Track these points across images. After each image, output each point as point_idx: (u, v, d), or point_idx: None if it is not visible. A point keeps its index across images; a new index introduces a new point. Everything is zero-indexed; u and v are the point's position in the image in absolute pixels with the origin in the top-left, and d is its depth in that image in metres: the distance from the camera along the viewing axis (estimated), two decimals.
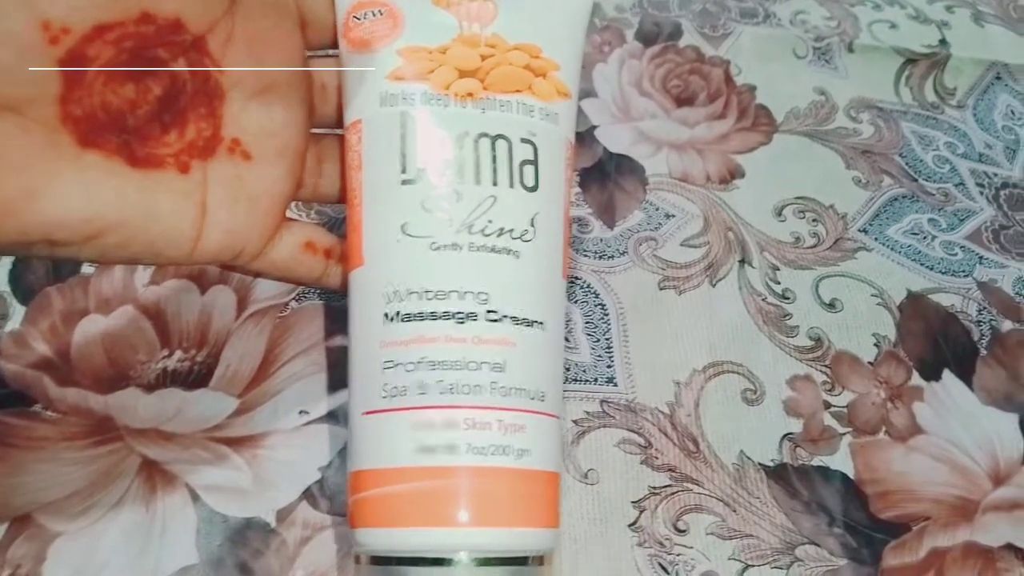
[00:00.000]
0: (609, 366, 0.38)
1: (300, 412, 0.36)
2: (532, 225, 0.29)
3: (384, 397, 0.27)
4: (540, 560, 0.28)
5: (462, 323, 0.27)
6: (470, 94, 0.29)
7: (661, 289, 0.41)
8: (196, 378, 0.36)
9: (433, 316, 0.27)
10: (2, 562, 0.32)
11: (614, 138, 0.47)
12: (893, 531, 0.35)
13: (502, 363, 0.27)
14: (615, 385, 0.38)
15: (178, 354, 0.37)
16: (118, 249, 0.25)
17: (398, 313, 0.28)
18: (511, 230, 0.29)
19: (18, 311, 0.38)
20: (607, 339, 0.39)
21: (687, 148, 0.47)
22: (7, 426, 0.35)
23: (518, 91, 0.30)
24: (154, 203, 0.25)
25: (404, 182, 0.28)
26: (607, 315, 0.40)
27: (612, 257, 0.42)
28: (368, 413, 0.28)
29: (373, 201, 0.29)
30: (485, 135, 0.29)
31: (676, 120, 0.48)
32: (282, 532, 0.33)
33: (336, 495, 0.34)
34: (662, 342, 0.39)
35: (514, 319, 0.28)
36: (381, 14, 0.30)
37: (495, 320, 0.28)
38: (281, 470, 0.34)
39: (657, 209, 0.44)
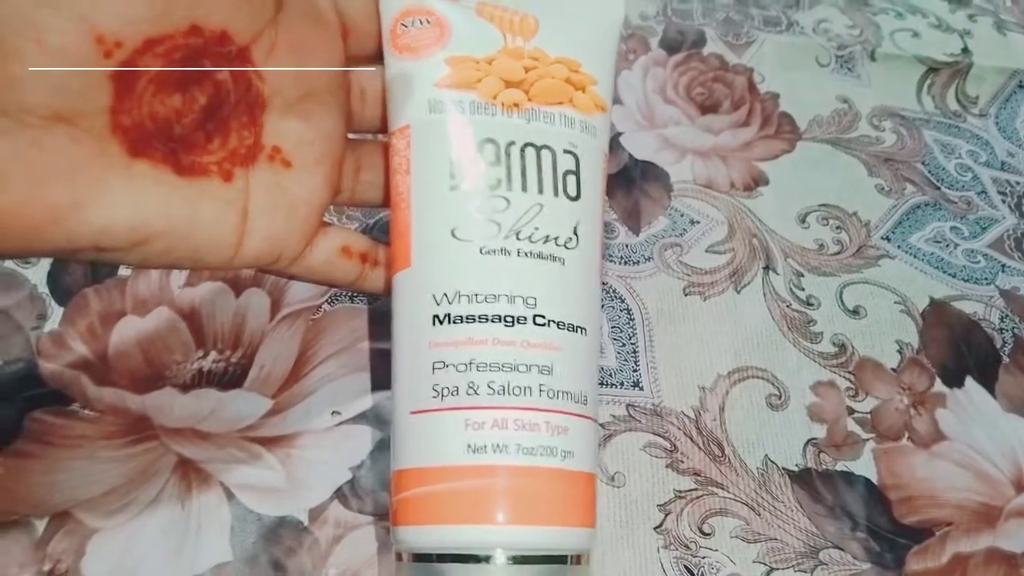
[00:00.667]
0: (635, 370, 0.39)
1: (332, 413, 0.36)
2: (575, 233, 0.30)
3: (435, 397, 0.28)
4: (579, 559, 0.28)
5: (511, 326, 0.28)
6: (516, 104, 0.30)
7: (686, 295, 0.41)
8: (231, 379, 0.37)
9: (483, 319, 0.28)
10: (43, 556, 0.33)
11: (639, 145, 0.47)
12: (916, 536, 0.35)
13: (549, 367, 0.28)
14: (641, 389, 0.38)
15: (213, 355, 0.38)
16: (162, 255, 0.26)
17: (448, 315, 0.28)
18: (556, 237, 0.29)
19: (57, 312, 0.39)
20: (633, 344, 0.40)
21: (711, 155, 0.47)
22: (46, 424, 0.36)
23: (560, 103, 0.31)
24: (198, 211, 0.26)
25: (453, 188, 0.29)
26: (632, 320, 0.40)
27: (638, 263, 0.42)
28: (417, 412, 0.28)
29: (422, 206, 0.30)
30: (531, 144, 0.30)
31: (700, 127, 0.49)
32: (314, 531, 0.34)
33: (367, 495, 0.35)
34: (687, 347, 0.40)
35: (559, 324, 0.29)
36: (428, 23, 0.30)
37: (542, 325, 0.28)
38: (314, 470, 0.35)
39: (682, 215, 0.44)
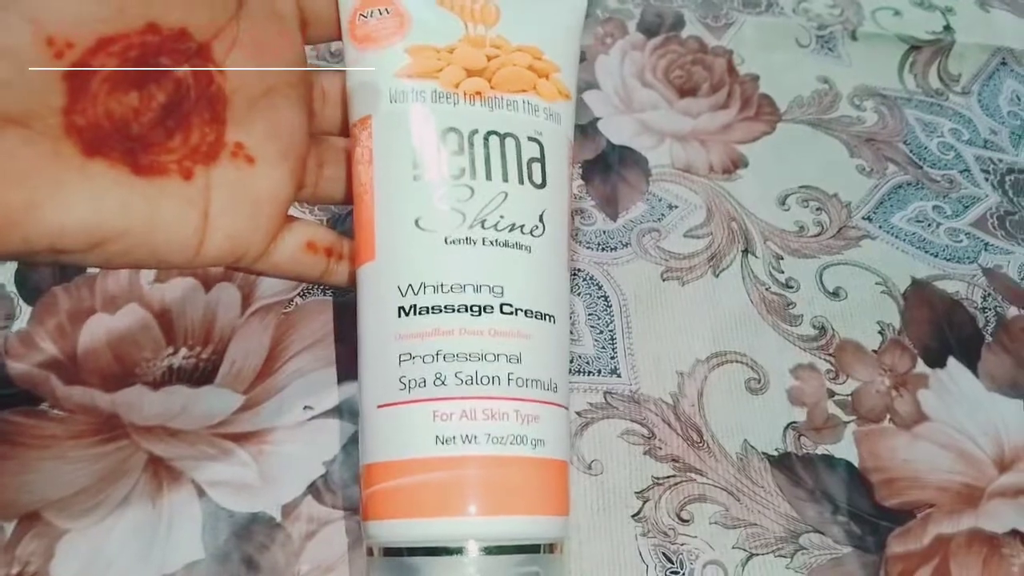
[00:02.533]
0: (612, 357, 0.38)
1: (305, 407, 0.36)
2: (541, 221, 0.30)
3: (401, 389, 0.27)
4: (552, 548, 0.28)
5: (478, 316, 0.28)
6: (478, 93, 0.30)
7: (664, 280, 0.41)
8: (201, 375, 0.37)
9: (449, 309, 0.28)
10: (11, 559, 0.32)
11: (617, 130, 0.47)
12: (898, 519, 0.35)
13: (518, 355, 0.28)
14: (619, 376, 0.38)
15: (183, 351, 0.37)
16: (121, 256, 0.25)
17: (414, 307, 0.28)
18: (522, 225, 0.29)
19: (25, 311, 0.38)
20: (610, 331, 0.39)
21: (690, 139, 0.47)
22: (14, 425, 0.35)
23: (523, 91, 0.30)
24: (157, 211, 0.25)
25: (416, 178, 0.29)
26: (610, 307, 0.40)
27: (615, 249, 0.42)
28: (384, 406, 0.28)
29: (385, 196, 0.29)
30: (494, 133, 0.29)
31: (679, 111, 0.48)
32: (287, 527, 0.33)
33: (341, 489, 0.34)
34: (665, 333, 0.39)
35: (527, 312, 0.28)
36: (387, 12, 0.30)
37: (510, 313, 0.28)
38: (286, 465, 0.35)
39: (660, 200, 0.44)
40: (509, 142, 0.30)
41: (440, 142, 0.29)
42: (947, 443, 0.36)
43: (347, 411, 0.36)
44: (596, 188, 0.44)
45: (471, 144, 0.29)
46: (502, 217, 0.29)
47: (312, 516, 0.34)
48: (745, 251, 0.42)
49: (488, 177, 0.29)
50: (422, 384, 0.27)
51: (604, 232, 0.42)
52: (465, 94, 0.29)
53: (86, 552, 0.32)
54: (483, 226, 0.28)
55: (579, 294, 0.40)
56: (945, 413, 0.37)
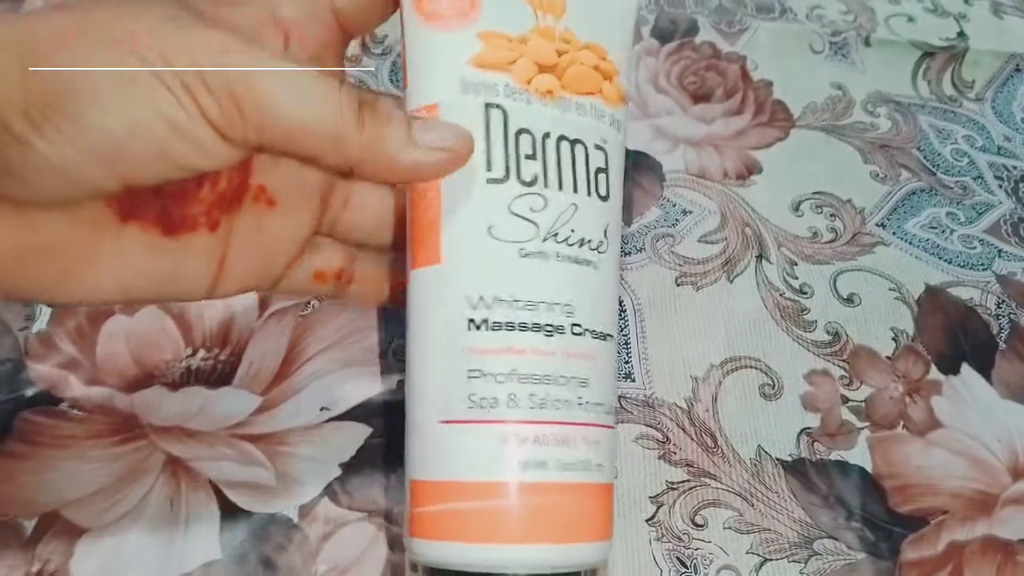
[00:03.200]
0: (627, 362, 0.38)
1: (322, 409, 0.36)
2: (605, 236, 0.28)
3: (471, 407, 0.25)
4: (595, 572, 0.27)
5: (550, 336, 0.26)
6: (550, 92, 0.27)
7: (678, 285, 0.41)
8: (219, 376, 0.37)
9: (523, 327, 0.26)
10: (31, 557, 0.32)
11: (631, 135, 0.46)
12: (911, 525, 0.35)
13: (586, 379, 0.26)
14: (633, 381, 0.38)
15: (202, 353, 0.37)
16: (132, 305, 0.25)
17: (486, 321, 0.26)
18: (589, 241, 0.27)
19: (44, 312, 0.38)
20: (625, 335, 0.39)
21: (704, 144, 0.47)
22: (34, 424, 0.35)
23: (590, 93, 0.28)
24: (180, 269, 0.25)
25: (490, 180, 0.26)
26: (624, 311, 0.40)
27: (629, 253, 0.42)
28: (448, 422, 0.26)
29: (454, 198, 0.26)
30: (565, 138, 0.27)
31: (693, 116, 0.48)
32: (304, 527, 0.33)
33: (357, 491, 0.34)
34: (680, 338, 0.39)
35: (593, 332, 0.27)
36: None
37: (579, 334, 0.27)
38: (303, 466, 0.35)
39: (674, 205, 0.44)
40: (579, 149, 0.27)
41: (515, 143, 0.26)
42: (961, 450, 0.37)
43: (364, 413, 0.36)
44: None
45: (543, 148, 0.27)
46: (572, 231, 0.27)
47: (329, 517, 0.34)
48: (759, 257, 0.42)
49: (560, 186, 0.27)
50: (494, 404, 0.25)
51: None
52: (537, 92, 0.27)
53: (105, 551, 0.33)
54: (556, 239, 0.26)
55: None
56: (959, 420, 0.37)
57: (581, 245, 0.27)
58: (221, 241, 0.26)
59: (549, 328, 0.26)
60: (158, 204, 0.24)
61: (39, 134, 0.20)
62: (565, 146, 0.27)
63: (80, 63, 0.20)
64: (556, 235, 0.26)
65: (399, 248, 0.30)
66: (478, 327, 0.26)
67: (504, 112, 0.26)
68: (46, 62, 0.20)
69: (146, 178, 0.22)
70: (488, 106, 0.26)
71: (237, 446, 0.35)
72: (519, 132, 0.26)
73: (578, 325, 0.26)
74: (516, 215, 0.26)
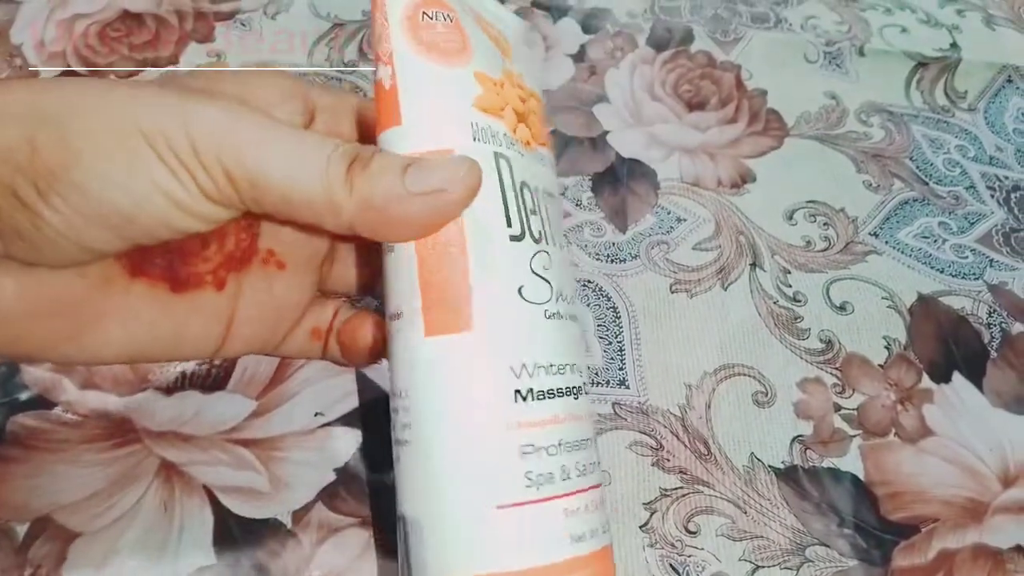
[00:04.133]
0: (621, 369, 0.39)
1: (316, 414, 0.36)
2: (571, 285, 0.26)
3: (529, 486, 0.23)
4: None
5: (577, 399, 0.24)
6: (528, 143, 0.26)
7: (673, 292, 0.41)
8: (214, 381, 0.37)
9: (560, 393, 0.24)
10: (23, 562, 0.32)
11: (626, 143, 0.47)
12: (903, 532, 0.35)
13: (593, 438, 0.25)
14: (627, 388, 0.38)
15: None
16: (138, 364, 0.25)
17: (531, 391, 0.23)
18: (569, 295, 0.26)
19: None
20: (619, 342, 0.39)
21: (699, 152, 0.47)
22: (28, 428, 0.35)
23: (543, 144, 0.27)
24: (186, 329, 0.25)
25: (512, 238, 0.24)
26: (619, 318, 0.40)
27: (624, 261, 0.42)
28: (507, 506, 0.23)
29: (484, 256, 0.24)
30: (546, 191, 0.26)
31: (688, 125, 0.48)
32: (298, 533, 0.34)
33: (351, 496, 0.34)
34: (674, 345, 0.40)
35: (586, 388, 0.25)
36: (450, 20, 0.25)
37: (587, 393, 0.25)
38: (297, 471, 0.35)
39: (669, 213, 0.44)
40: (553, 202, 0.26)
41: (522, 197, 0.24)
42: (952, 458, 0.37)
43: (357, 419, 0.36)
44: (605, 200, 0.45)
45: (537, 202, 0.25)
46: (564, 287, 0.25)
47: (323, 522, 0.34)
48: (753, 265, 0.42)
49: (553, 241, 0.25)
50: (551, 479, 0.23)
51: (613, 244, 0.43)
52: (521, 141, 0.25)
53: (98, 556, 0.33)
54: (561, 298, 0.25)
55: (589, 305, 0.40)
56: (950, 428, 0.38)
57: (570, 301, 0.25)
58: (229, 302, 0.26)
59: (575, 391, 0.24)
60: (165, 260, 0.25)
61: (46, 203, 0.20)
62: (546, 199, 0.26)
63: (86, 137, 0.20)
64: (562, 293, 0.25)
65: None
66: (524, 398, 0.23)
67: (509, 163, 0.24)
68: (55, 133, 0.20)
69: (153, 241, 0.22)
70: (497, 156, 0.24)
71: (231, 451, 0.35)
72: (523, 185, 0.25)
73: (585, 384, 0.25)
74: (537, 275, 0.24)
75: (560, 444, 0.23)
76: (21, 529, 0.33)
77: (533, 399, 0.23)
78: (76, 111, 0.20)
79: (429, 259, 0.24)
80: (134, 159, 0.20)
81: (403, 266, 0.24)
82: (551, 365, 0.24)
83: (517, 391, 0.23)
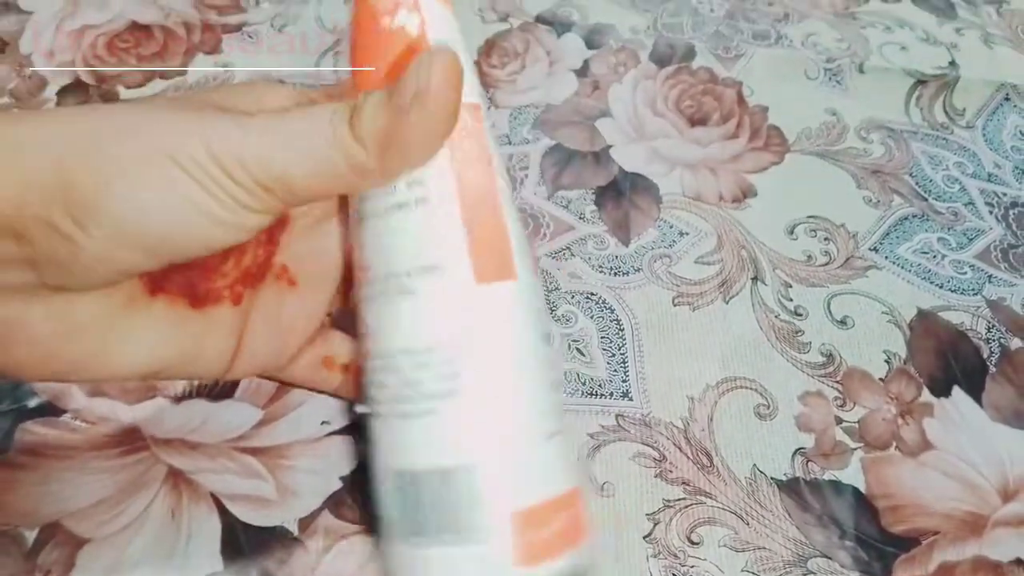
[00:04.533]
0: (624, 381, 0.39)
1: (322, 423, 0.36)
2: None
3: (560, 416, 0.26)
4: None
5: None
6: None
7: (675, 305, 0.42)
8: (221, 389, 0.37)
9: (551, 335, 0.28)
10: (32, 568, 0.33)
11: (629, 157, 0.48)
12: (903, 545, 0.35)
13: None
14: (630, 400, 0.38)
15: None
16: (157, 381, 0.26)
17: (550, 333, 0.28)
18: None
19: None
20: (622, 354, 0.40)
21: (700, 167, 0.48)
22: (37, 435, 0.36)
23: None
24: (203, 345, 0.26)
25: (512, 193, 0.27)
26: (622, 331, 0.41)
27: (627, 274, 0.43)
28: (553, 435, 0.25)
29: (509, 203, 0.26)
30: None
31: (690, 140, 0.49)
32: (305, 540, 0.34)
33: (358, 504, 0.35)
34: (676, 358, 0.40)
35: None
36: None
37: None
38: (304, 479, 0.35)
39: (671, 227, 0.45)
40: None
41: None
42: (952, 472, 0.37)
43: (363, 428, 0.36)
44: (608, 214, 0.45)
45: None
46: None
47: (329, 530, 0.34)
48: (755, 278, 0.43)
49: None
50: (563, 410, 0.27)
51: (616, 257, 0.43)
52: None
53: (107, 562, 0.33)
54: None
55: (592, 317, 0.41)
56: (950, 442, 0.38)
57: None
58: (241, 316, 0.27)
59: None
60: (184, 277, 0.25)
61: (84, 232, 0.20)
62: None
63: (116, 163, 0.21)
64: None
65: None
66: (549, 341, 0.26)
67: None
68: (85, 163, 0.20)
69: (187, 258, 0.23)
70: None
71: (238, 459, 0.35)
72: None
73: None
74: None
75: (564, 377, 0.27)
76: (30, 535, 0.33)
77: (552, 341, 0.27)
78: (103, 140, 0.21)
79: (469, 206, 0.24)
80: (165, 182, 0.21)
81: (439, 215, 0.24)
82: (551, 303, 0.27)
83: (547, 334, 0.26)
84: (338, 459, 0.36)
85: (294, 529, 0.34)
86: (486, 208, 0.25)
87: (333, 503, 0.35)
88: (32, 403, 0.36)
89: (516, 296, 0.25)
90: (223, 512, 0.34)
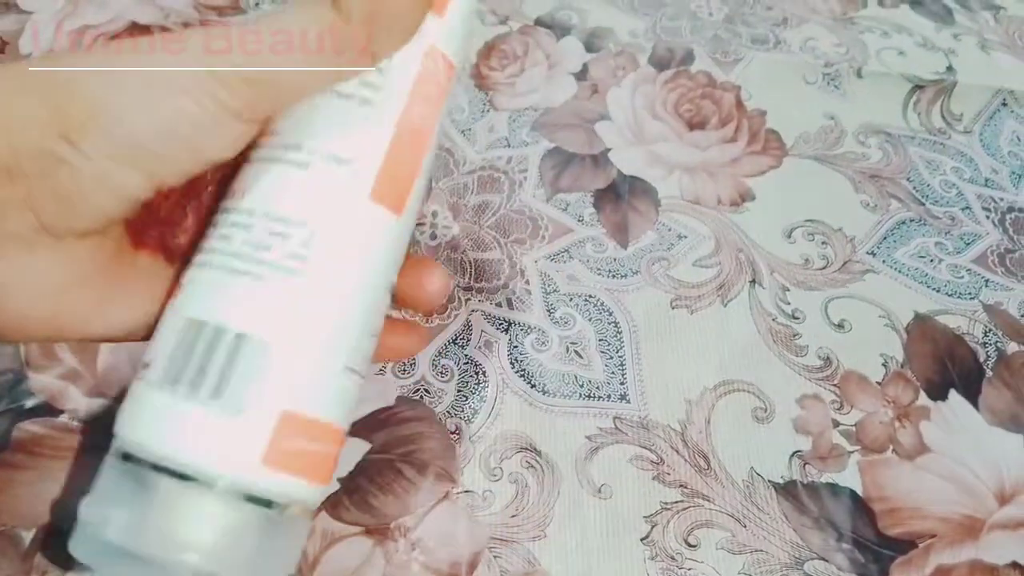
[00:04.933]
0: (622, 383, 0.39)
1: None
2: None
3: (366, 362, 0.26)
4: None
5: None
6: None
7: (673, 308, 0.42)
8: None
9: None
10: (29, 568, 0.33)
11: (628, 160, 0.48)
12: (900, 548, 0.35)
13: None
14: (628, 402, 0.38)
15: None
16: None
17: (391, 285, 0.27)
18: None
19: None
20: (620, 356, 0.40)
21: (699, 171, 0.48)
22: (34, 435, 0.36)
23: None
24: None
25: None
26: (620, 333, 0.41)
27: (625, 276, 0.43)
28: (352, 371, 0.25)
29: (430, 160, 0.27)
30: None
31: (688, 143, 0.49)
32: None
33: (356, 505, 0.35)
34: (674, 360, 0.40)
35: None
36: None
37: None
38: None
39: (669, 230, 0.45)
40: None
41: None
42: (949, 475, 0.37)
43: (362, 428, 0.36)
44: (607, 216, 0.45)
45: None
46: None
47: (327, 531, 0.34)
48: (753, 282, 0.43)
49: None
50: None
51: (615, 259, 0.43)
52: None
53: None
54: None
55: (591, 320, 0.41)
56: (947, 445, 0.38)
57: None
58: None
59: None
60: (157, 232, 0.26)
61: (79, 151, 0.21)
62: None
63: (108, 87, 0.21)
64: None
65: None
66: (390, 294, 0.26)
67: None
68: (78, 90, 0.21)
69: (181, 175, 0.23)
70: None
71: None
72: None
73: None
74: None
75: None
76: (27, 535, 0.33)
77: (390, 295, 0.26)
78: (92, 64, 0.22)
79: (402, 133, 0.25)
80: (157, 94, 0.21)
81: (373, 121, 0.25)
82: None
83: (392, 285, 0.26)
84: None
85: None
86: (413, 146, 0.25)
87: (330, 504, 0.35)
88: (29, 403, 0.36)
89: (390, 231, 0.25)
90: None
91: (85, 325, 0.24)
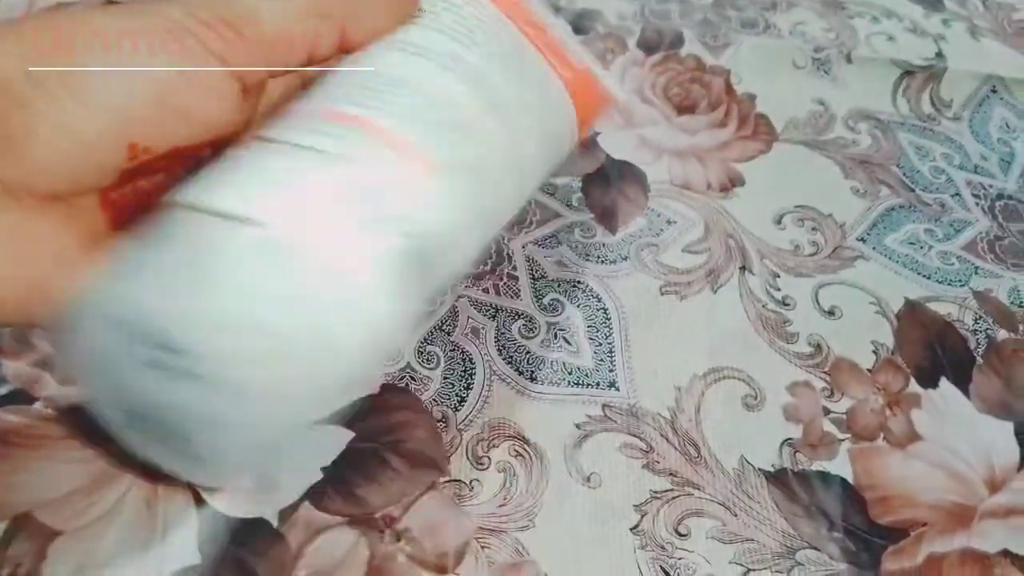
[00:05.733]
0: (611, 370, 0.38)
1: None
2: None
3: None
4: None
5: None
6: None
7: (663, 294, 0.41)
8: None
9: None
10: (2, 560, 0.32)
11: (616, 144, 0.47)
12: (892, 536, 0.35)
13: None
14: (617, 389, 0.38)
15: None
16: None
17: None
18: None
19: None
20: (609, 343, 0.39)
21: (688, 155, 0.47)
22: (7, 424, 0.35)
23: None
24: None
25: None
26: (609, 320, 0.40)
27: (614, 262, 0.42)
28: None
29: None
30: None
31: (677, 128, 0.48)
32: (285, 532, 0.33)
33: (339, 495, 0.34)
34: (663, 347, 0.39)
35: None
36: None
37: None
38: (285, 470, 0.34)
39: (659, 215, 0.44)
40: None
41: None
42: (939, 462, 0.37)
43: (345, 417, 0.36)
44: (596, 202, 0.44)
45: None
46: None
47: (310, 522, 0.33)
48: (742, 268, 0.42)
49: None
50: None
51: (604, 245, 0.43)
52: None
53: (79, 554, 0.32)
54: None
55: (579, 306, 0.40)
56: (937, 433, 0.38)
57: None
58: None
59: None
60: (141, 217, 0.25)
61: (43, 92, 0.19)
62: None
63: (83, 35, 0.20)
64: None
65: None
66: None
67: None
68: (50, 38, 0.20)
69: (156, 139, 0.22)
70: None
71: None
72: None
73: None
74: None
75: None
76: (0, 527, 0.32)
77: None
78: (69, 22, 0.21)
79: None
80: (132, 33, 0.21)
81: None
82: None
83: None
84: (320, 450, 0.35)
85: (274, 521, 0.33)
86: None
87: (314, 494, 0.34)
88: (2, 390, 0.35)
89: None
90: (200, 503, 0.33)
91: (49, 303, 0.23)
